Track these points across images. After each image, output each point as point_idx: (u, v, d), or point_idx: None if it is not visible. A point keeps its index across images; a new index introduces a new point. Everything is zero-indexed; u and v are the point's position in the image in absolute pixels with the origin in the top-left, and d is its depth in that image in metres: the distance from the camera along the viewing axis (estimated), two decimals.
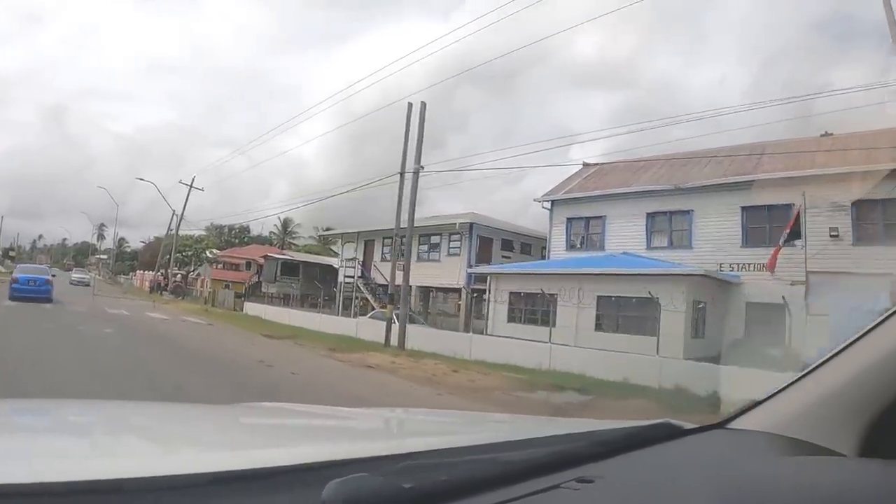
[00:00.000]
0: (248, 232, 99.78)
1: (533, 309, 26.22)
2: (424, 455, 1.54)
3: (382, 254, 38.08)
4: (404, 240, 25.17)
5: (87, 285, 57.47)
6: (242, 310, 42.11)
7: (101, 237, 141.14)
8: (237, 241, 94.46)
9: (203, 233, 73.64)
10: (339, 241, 44.36)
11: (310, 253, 64.35)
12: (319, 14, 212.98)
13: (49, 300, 29.36)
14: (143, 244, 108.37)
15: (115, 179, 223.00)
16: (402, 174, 24.57)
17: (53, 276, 34.94)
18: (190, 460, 1.48)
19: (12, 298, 27.84)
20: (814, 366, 1.74)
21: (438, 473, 1.37)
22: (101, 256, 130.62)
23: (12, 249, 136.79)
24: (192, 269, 69.02)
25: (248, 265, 66.76)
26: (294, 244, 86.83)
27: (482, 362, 19.05)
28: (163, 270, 64.57)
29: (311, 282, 47.15)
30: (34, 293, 28.76)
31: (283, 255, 56.75)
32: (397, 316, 24.28)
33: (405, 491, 1.22)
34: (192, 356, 15.78)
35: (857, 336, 1.63)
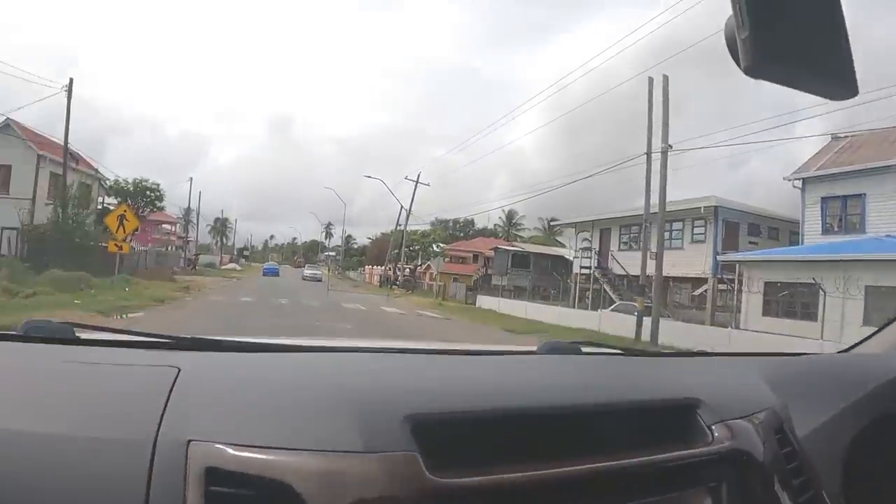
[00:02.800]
0: (473, 225, 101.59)
1: (791, 301, 24.98)
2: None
3: (619, 243, 38.12)
4: (648, 226, 24.76)
5: (319, 281, 61.91)
6: (475, 303, 43.50)
7: (328, 235, 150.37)
8: (462, 234, 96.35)
9: (428, 227, 76.11)
10: (574, 230, 44.39)
11: (535, 244, 64.74)
12: (524, 6, 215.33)
13: (277, 275, 71.75)
14: (369, 240, 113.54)
15: (340, 181, 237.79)
16: (648, 154, 24.00)
17: (278, 265, 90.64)
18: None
19: (264, 275, 69.19)
20: None
21: None
22: (330, 253, 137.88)
23: (246, 249, 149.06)
24: (420, 262, 71.58)
25: (475, 258, 68.20)
26: (519, 236, 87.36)
27: None
28: (391, 264, 67.38)
29: (542, 273, 47.50)
30: (272, 272, 73.30)
31: (514, 246, 57.67)
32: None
33: None
34: None
35: None
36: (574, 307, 36.08)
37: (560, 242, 69.22)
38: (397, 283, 61.52)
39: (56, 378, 1.29)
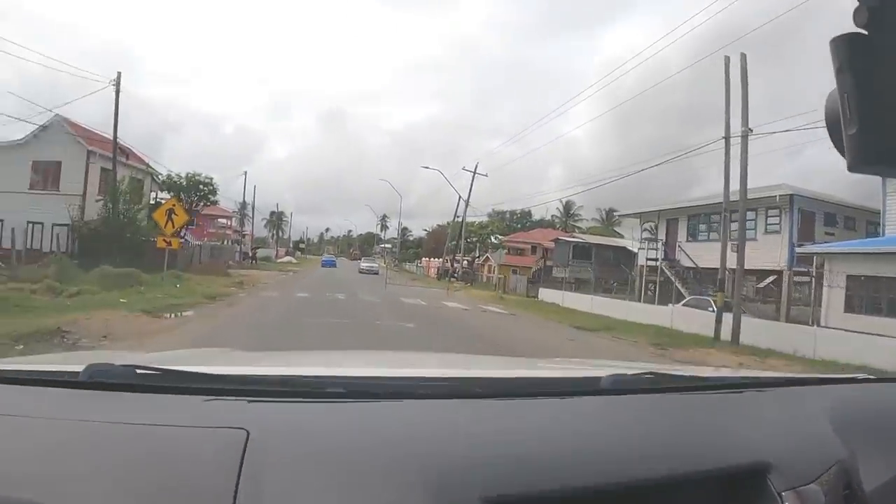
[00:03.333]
0: (530, 216, 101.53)
1: (875, 296, 23.58)
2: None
3: (688, 234, 36.70)
4: (727, 216, 23.52)
5: (376, 273, 61.54)
6: (537, 296, 42.28)
7: (383, 227, 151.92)
8: (518, 225, 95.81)
9: (485, 219, 75.44)
10: (638, 220, 43.08)
11: (593, 235, 63.51)
12: None
13: (335, 265, 79.08)
14: (425, 232, 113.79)
15: (395, 173, 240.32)
16: (727, 139, 22.27)
17: (336, 257, 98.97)
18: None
19: (322, 266, 76.88)
20: None
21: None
22: (385, 245, 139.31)
23: (302, 242, 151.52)
24: (478, 254, 70.86)
25: (534, 249, 67.49)
26: (577, 227, 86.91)
27: (833, 363, 16.21)
28: (449, 257, 66.69)
29: (603, 265, 46.34)
30: (330, 264, 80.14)
31: (575, 237, 56.44)
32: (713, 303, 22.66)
33: None
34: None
35: None
36: (640, 300, 34.80)
37: (618, 233, 68.42)
38: (455, 275, 60.73)
39: (117, 442, 1.24)
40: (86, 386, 1.45)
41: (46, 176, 35.75)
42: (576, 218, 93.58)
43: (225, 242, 68.90)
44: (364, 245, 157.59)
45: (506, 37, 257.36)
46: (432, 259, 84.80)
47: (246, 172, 70.49)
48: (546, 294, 41.39)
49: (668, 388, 2.01)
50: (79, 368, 1.50)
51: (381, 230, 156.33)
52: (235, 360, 2.56)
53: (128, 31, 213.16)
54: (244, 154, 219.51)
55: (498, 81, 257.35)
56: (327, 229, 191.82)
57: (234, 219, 79.23)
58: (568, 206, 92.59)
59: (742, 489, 1.48)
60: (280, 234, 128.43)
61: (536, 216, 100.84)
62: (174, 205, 26.09)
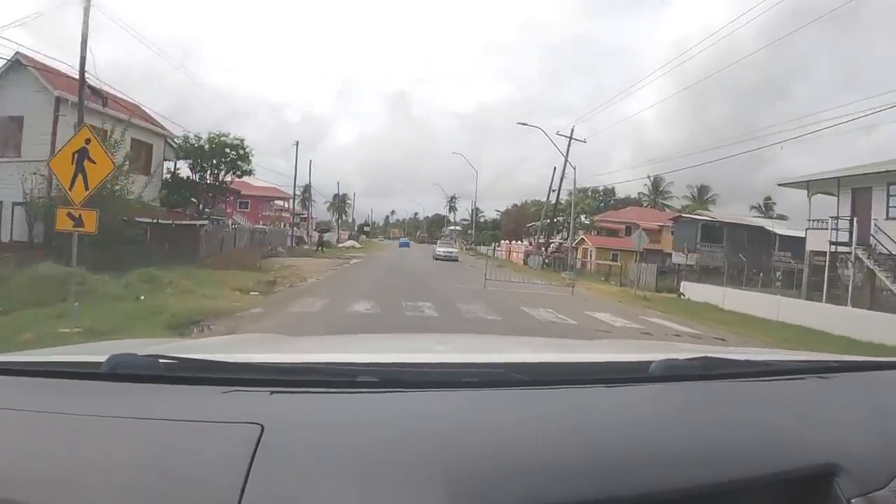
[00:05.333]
0: (614, 194, 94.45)
1: None
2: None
3: (888, 208, 26.49)
4: None
5: (455, 260, 53.57)
6: (677, 291, 31.30)
7: (452, 209, 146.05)
8: (602, 204, 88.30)
9: (566, 196, 67.38)
10: (805, 191, 32.93)
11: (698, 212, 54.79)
12: None
13: (409, 247, 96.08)
14: (498, 213, 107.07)
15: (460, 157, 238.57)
16: None
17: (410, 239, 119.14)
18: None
19: (400, 247, 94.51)
20: None
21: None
22: (455, 227, 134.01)
23: (367, 225, 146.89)
24: (566, 236, 62.60)
25: (628, 230, 59.86)
26: (667, 205, 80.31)
27: None
28: (538, 239, 59.11)
29: (737, 250, 37.16)
30: (405, 245, 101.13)
31: (701, 215, 46.92)
32: None
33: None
34: None
35: None
36: (823, 300, 25.09)
37: (711, 212, 60.63)
38: (546, 261, 52.33)
39: (131, 439, 1.19)
40: (107, 378, 1.41)
41: (6, 137, 25.80)
42: (665, 196, 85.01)
43: (283, 226, 60.04)
44: (432, 227, 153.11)
45: (571, 12, 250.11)
46: (513, 241, 75.59)
47: (297, 142, 58.72)
48: (692, 290, 30.18)
49: (723, 374, 1.79)
50: (101, 359, 1.44)
51: (450, 212, 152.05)
52: (264, 347, 2.45)
53: (194, 19, 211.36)
54: (310, 139, 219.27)
55: (568, 59, 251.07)
56: (392, 212, 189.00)
57: (290, 200, 71.25)
58: (657, 183, 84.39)
59: (805, 494, 1.32)
60: (343, 217, 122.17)
61: (620, 194, 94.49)
62: (90, 138, 12.17)
